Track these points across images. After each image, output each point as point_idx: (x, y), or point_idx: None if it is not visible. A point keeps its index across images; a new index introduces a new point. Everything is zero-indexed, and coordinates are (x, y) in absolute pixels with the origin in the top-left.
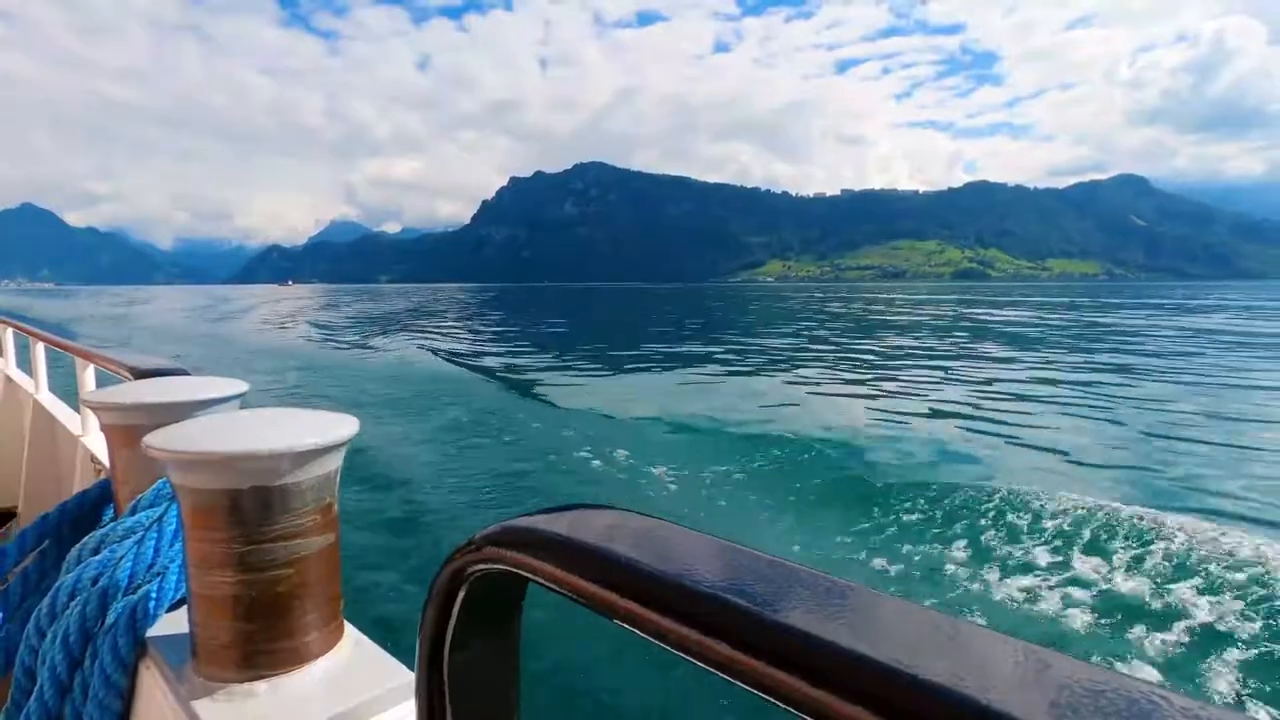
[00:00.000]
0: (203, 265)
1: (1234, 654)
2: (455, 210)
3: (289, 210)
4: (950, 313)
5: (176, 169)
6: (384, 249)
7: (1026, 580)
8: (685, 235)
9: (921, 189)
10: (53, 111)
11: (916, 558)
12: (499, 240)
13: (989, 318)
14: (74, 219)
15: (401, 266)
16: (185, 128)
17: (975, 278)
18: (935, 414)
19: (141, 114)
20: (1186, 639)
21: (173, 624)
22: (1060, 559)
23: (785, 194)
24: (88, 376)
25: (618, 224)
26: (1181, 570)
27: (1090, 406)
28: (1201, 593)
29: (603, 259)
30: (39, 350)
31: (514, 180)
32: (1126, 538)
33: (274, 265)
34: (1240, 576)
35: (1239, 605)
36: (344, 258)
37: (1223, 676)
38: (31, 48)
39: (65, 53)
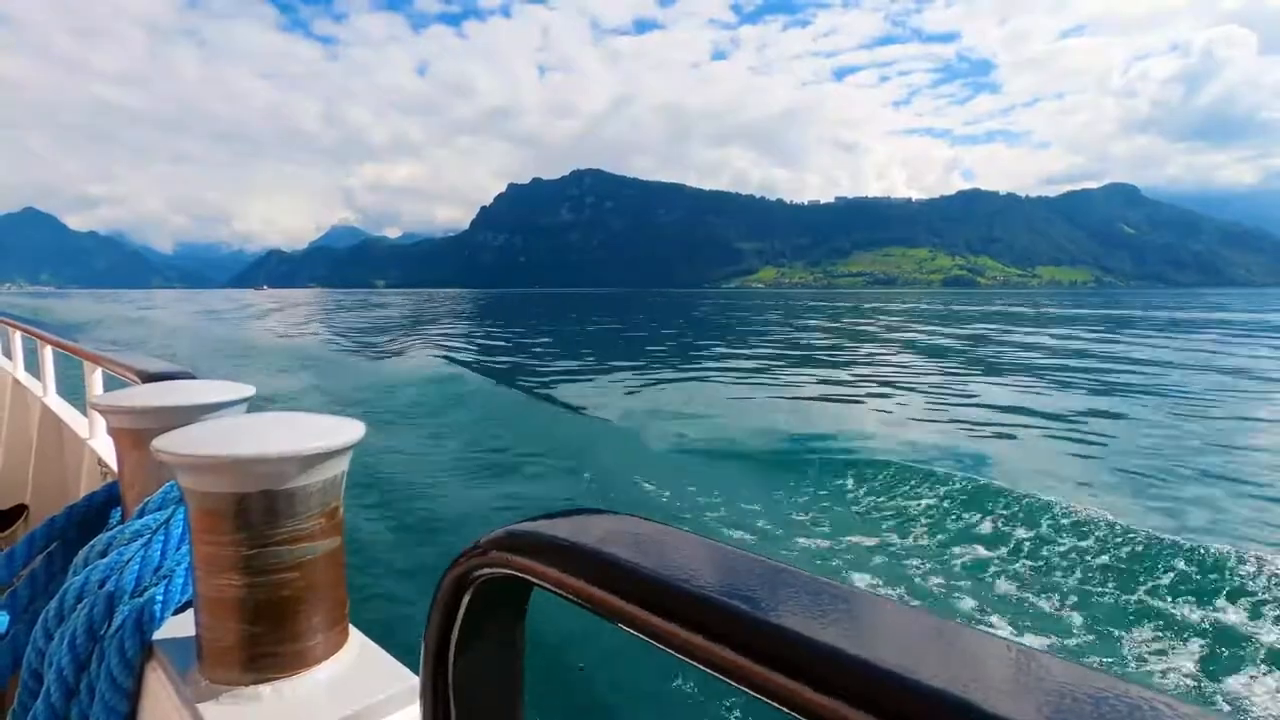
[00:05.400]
0: (202, 269)
1: (1228, 657)
2: (454, 215)
3: (289, 215)
4: (940, 320)
5: (176, 173)
6: (382, 254)
7: (1025, 584)
8: (680, 242)
9: (919, 196)
10: (55, 116)
11: (916, 561)
12: (496, 246)
13: (980, 324)
14: (75, 222)
15: (399, 271)
16: (185, 132)
17: (965, 285)
18: (931, 418)
19: (142, 118)
20: (1186, 643)
21: (179, 627)
22: (1055, 562)
23: (780, 201)
24: (95, 380)
25: (613, 230)
26: (1180, 580)
27: (1088, 411)
28: (1204, 601)
29: (597, 265)
30: (47, 353)
31: (512, 186)
32: (1120, 542)
33: (272, 270)
34: (1229, 582)
35: (1229, 610)
36: (343, 262)
37: (1216, 678)
38: (33, 52)
39: (65, 57)
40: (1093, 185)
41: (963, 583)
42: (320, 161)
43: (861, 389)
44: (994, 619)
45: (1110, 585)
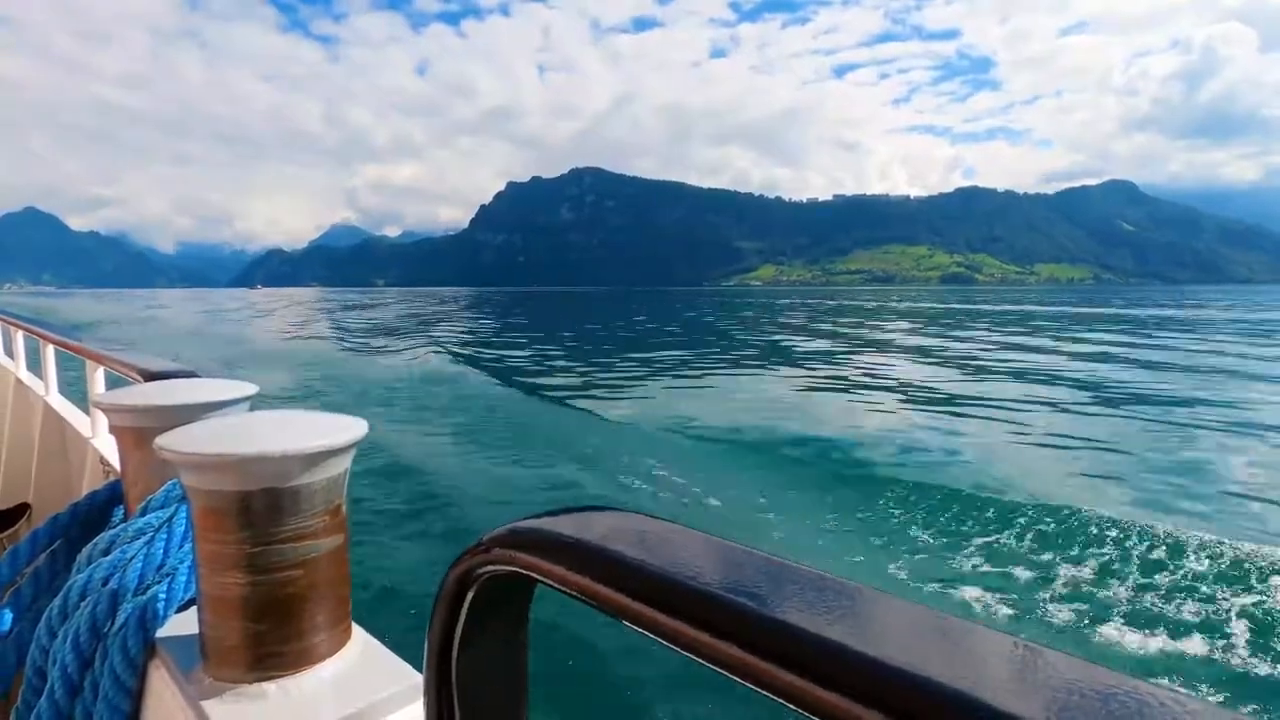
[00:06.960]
0: (204, 269)
1: (1236, 653)
2: (455, 215)
3: (290, 215)
4: (940, 316)
5: (179, 174)
6: (383, 253)
7: (1030, 581)
8: (680, 240)
9: (920, 194)
10: (56, 116)
11: (921, 557)
12: (496, 245)
13: (980, 322)
14: (76, 223)
15: (399, 270)
16: (187, 133)
17: (963, 282)
18: (935, 416)
19: (143, 120)
20: (1193, 640)
21: (182, 625)
22: (1059, 559)
23: (778, 199)
24: (98, 378)
25: (613, 229)
26: (1186, 576)
27: (1089, 410)
28: (1208, 597)
29: (597, 264)
30: (49, 353)
31: (511, 185)
32: (1124, 539)
33: (273, 269)
34: (1234, 578)
35: (1234, 606)
36: (343, 261)
37: (1224, 674)
38: (34, 53)
39: (66, 58)
40: (1092, 182)
41: (968, 579)
42: (323, 163)
43: (865, 386)
44: (999, 615)
45: (1115, 582)
